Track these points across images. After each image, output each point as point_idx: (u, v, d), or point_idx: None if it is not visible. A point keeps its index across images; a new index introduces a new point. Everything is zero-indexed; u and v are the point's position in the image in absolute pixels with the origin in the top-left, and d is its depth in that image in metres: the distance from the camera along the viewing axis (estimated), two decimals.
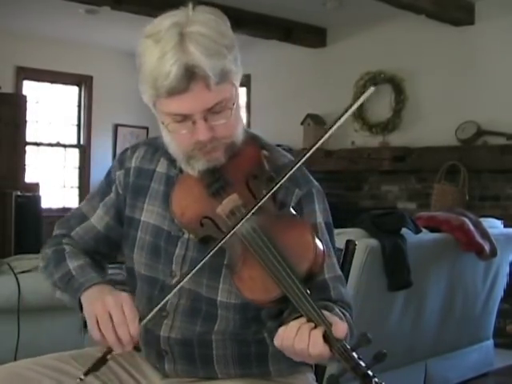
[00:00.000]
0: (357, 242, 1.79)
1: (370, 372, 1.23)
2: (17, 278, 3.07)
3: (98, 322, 1.36)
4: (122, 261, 1.63)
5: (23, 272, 3.16)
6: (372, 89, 1.30)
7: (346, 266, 1.73)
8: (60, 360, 1.54)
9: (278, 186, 1.35)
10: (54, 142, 7.76)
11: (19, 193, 6.37)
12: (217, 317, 1.46)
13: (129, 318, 1.34)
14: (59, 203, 7.78)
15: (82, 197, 7.90)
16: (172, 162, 1.53)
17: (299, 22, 6.53)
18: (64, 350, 1.65)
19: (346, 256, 1.75)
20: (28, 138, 7.05)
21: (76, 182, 7.96)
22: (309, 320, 1.26)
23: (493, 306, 4.06)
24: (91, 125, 7.91)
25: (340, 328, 1.24)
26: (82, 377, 1.35)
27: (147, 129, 8.31)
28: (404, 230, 3.31)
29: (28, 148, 7.11)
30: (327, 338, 1.24)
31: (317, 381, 1.63)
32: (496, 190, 5.54)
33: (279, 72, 7.16)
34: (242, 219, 1.33)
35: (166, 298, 1.36)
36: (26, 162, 6.90)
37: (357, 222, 3.30)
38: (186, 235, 1.48)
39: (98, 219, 1.61)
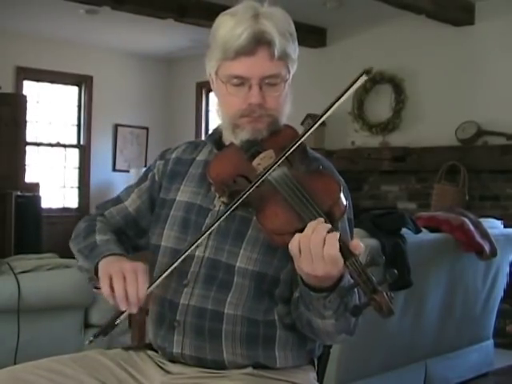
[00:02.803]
0: None
1: (380, 288, 1.28)
2: (17, 278, 3.07)
3: (111, 279, 1.44)
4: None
5: (23, 272, 3.17)
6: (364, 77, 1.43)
7: None
8: (60, 363, 1.55)
9: (306, 136, 1.48)
10: (54, 142, 7.76)
11: (19, 193, 6.38)
12: (232, 284, 1.50)
13: (140, 281, 1.43)
14: (59, 203, 7.78)
15: (81, 197, 7.90)
16: (215, 142, 1.65)
17: (299, 22, 6.49)
18: (64, 350, 1.65)
19: None
20: (28, 138, 7.05)
21: (76, 182, 7.96)
22: None
23: (493, 306, 4.06)
24: (91, 125, 7.91)
25: (356, 243, 1.32)
26: (92, 338, 1.46)
27: (147, 129, 8.32)
28: (404, 230, 3.31)
29: (28, 148, 7.11)
30: (342, 249, 1.30)
31: (318, 380, 1.63)
32: (496, 190, 5.54)
33: None
34: (274, 163, 1.44)
35: (183, 256, 1.45)
36: (26, 162, 6.90)
37: (357, 222, 3.29)
38: (216, 208, 1.56)
39: (131, 202, 1.73)
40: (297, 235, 1.33)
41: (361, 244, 1.32)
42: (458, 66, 5.81)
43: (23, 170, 6.73)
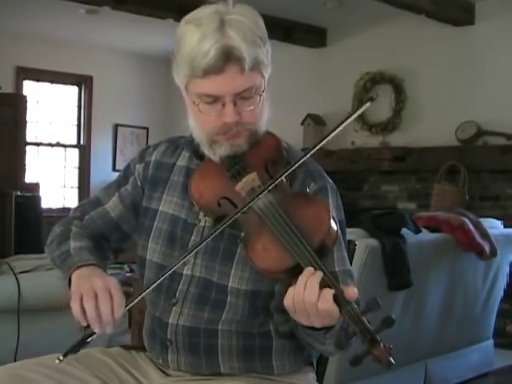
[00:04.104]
0: (357, 242, 1.79)
1: (378, 337, 1.25)
2: (17, 278, 3.07)
3: (81, 298, 1.37)
4: (122, 261, 1.63)
5: (23, 272, 3.16)
6: (368, 104, 1.47)
7: None
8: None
9: (295, 166, 1.41)
10: (54, 142, 7.76)
11: (19, 193, 6.37)
12: (225, 304, 1.47)
13: (115, 299, 1.36)
14: (59, 203, 7.78)
15: (81, 197, 7.89)
16: (194, 152, 1.57)
17: (299, 22, 6.53)
18: (64, 350, 1.64)
19: None
20: (28, 138, 7.05)
21: (76, 182, 7.96)
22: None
23: (493, 306, 4.06)
24: (91, 125, 7.91)
25: (351, 291, 1.28)
26: (61, 357, 1.37)
27: (147, 129, 8.32)
28: (404, 230, 3.31)
29: (28, 148, 7.11)
30: (337, 299, 1.27)
31: (317, 380, 1.63)
32: (496, 190, 5.54)
33: (279, 72, 7.14)
34: (258, 194, 1.38)
35: (169, 271, 1.38)
36: (26, 162, 6.90)
37: (357, 222, 3.30)
38: (201, 223, 1.51)
39: (113, 206, 1.64)
40: (290, 291, 1.30)
41: (355, 290, 1.28)
42: (457, 65, 5.81)
43: (23, 170, 6.73)
